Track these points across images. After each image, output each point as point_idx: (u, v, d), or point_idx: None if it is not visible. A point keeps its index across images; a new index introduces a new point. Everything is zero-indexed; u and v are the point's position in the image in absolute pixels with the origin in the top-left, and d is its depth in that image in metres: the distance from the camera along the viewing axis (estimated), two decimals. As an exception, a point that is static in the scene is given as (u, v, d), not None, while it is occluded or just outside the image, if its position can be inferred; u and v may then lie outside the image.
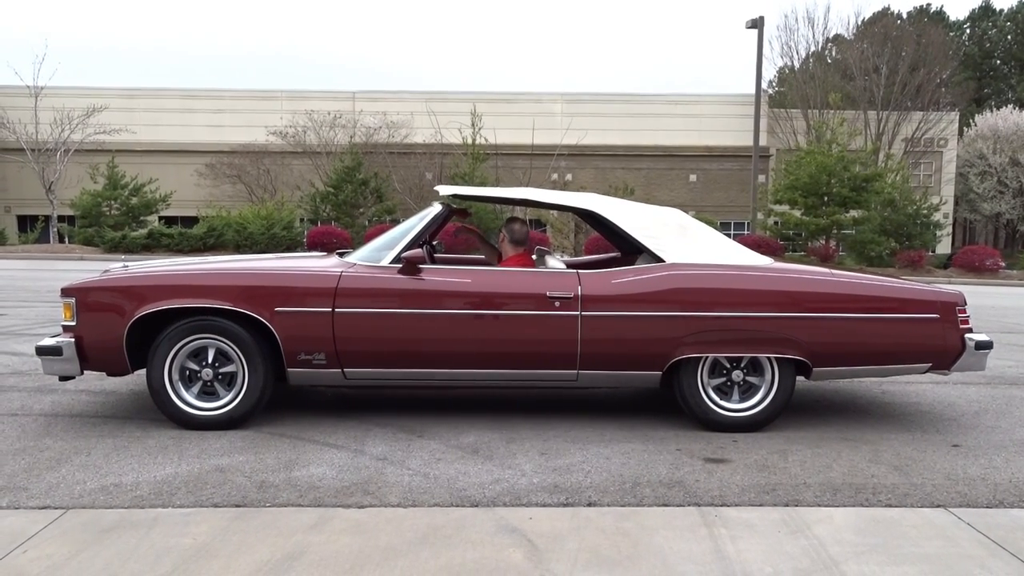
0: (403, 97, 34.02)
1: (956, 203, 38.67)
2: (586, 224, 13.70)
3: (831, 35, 41.27)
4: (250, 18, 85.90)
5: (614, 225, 4.61)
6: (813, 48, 40.14)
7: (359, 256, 4.57)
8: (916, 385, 5.90)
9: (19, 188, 33.24)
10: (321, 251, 9.60)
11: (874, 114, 36.37)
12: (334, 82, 70.60)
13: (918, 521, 3.15)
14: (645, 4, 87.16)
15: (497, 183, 26.82)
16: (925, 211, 25.04)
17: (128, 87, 34.80)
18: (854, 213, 25.76)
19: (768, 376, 4.41)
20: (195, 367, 4.24)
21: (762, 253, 4.97)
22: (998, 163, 36.37)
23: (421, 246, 4.54)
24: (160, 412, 4.28)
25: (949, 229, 35.62)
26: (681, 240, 4.50)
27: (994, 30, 52.35)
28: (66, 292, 4.24)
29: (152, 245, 24.93)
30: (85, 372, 4.27)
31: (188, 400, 4.24)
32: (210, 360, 4.24)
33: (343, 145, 31.01)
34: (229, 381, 4.27)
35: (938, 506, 3.33)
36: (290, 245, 25.18)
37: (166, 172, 31.33)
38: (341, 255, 4.85)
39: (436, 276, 4.34)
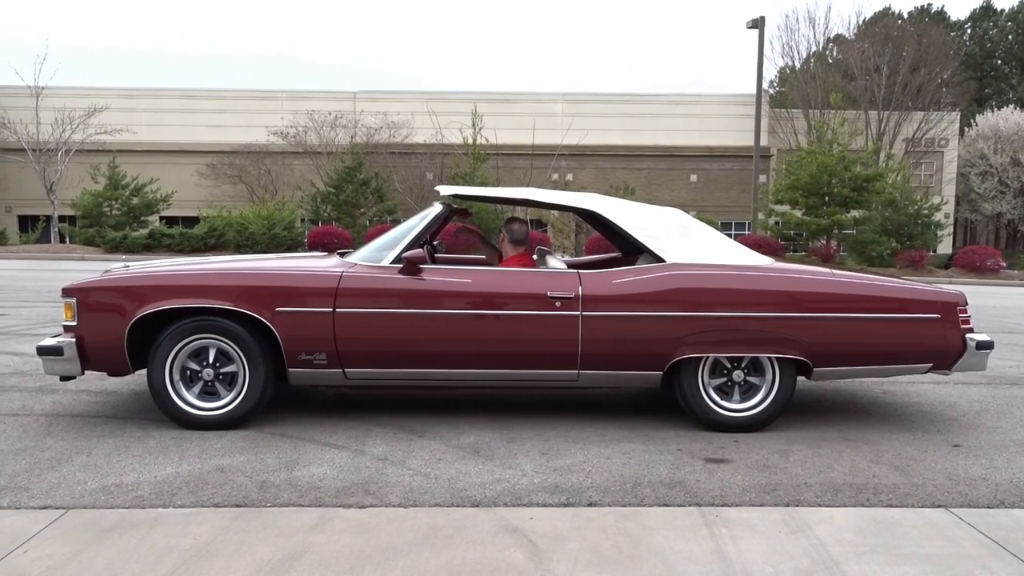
0: (404, 97, 34.01)
1: (957, 203, 38.65)
2: (587, 224, 13.70)
3: (832, 35, 41.29)
4: (250, 18, 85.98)
5: (615, 225, 4.61)
6: (814, 48, 40.14)
7: (360, 256, 4.57)
8: (917, 385, 5.90)
9: (20, 188, 33.24)
10: (322, 251, 9.60)
11: (875, 114, 36.34)
12: (335, 82, 70.66)
13: (919, 521, 3.15)
14: (645, 4, 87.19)
15: (498, 183, 26.81)
16: (926, 211, 25.02)
17: (129, 87, 34.80)
18: (855, 213, 25.74)
19: (769, 376, 4.41)
20: (196, 367, 4.25)
21: (763, 253, 4.97)
22: (999, 163, 36.35)
23: (422, 246, 4.54)
24: (161, 412, 4.28)
25: (950, 229, 35.58)
26: (682, 240, 4.50)
27: (995, 30, 52.33)
28: (67, 292, 4.24)
29: (153, 245, 24.93)
30: (86, 372, 4.28)
31: (189, 400, 4.24)
32: (211, 360, 4.24)
33: (344, 145, 31.02)
34: (230, 381, 4.27)
35: (939, 506, 3.33)
36: (291, 245, 25.18)
37: (167, 172, 31.33)
38: (342, 255, 4.85)
39: (437, 276, 4.35)
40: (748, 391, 4.45)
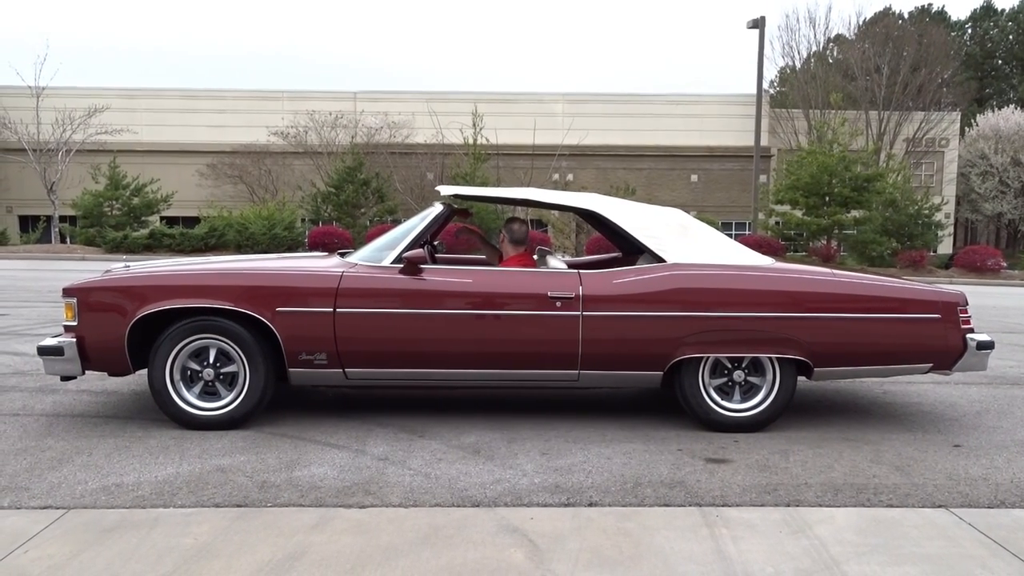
0: (404, 97, 34.01)
1: (957, 203, 38.64)
2: (587, 224, 13.70)
3: (832, 35, 41.26)
4: (250, 18, 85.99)
5: (615, 225, 4.61)
6: (814, 48, 40.12)
7: (360, 256, 4.57)
8: (917, 385, 5.90)
9: (21, 188, 33.24)
10: (322, 251, 9.60)
11: (875, 114, 36.32)
12: (335, 82, 70.64)
13: (919, 521, 3.15)
14: (646, 4, 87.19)
15: (498, 183, 26.81)
16: (926, 211, 25.02)
17: (129, 87, 34.79)
18: (855, 213, 25.74)
19: (769, 376, 4.41)
20: (196, 367, 4.25)
21: (763, 253, 4.97)
22: (999, 163, 36.33)
23: (422, 246, 4.54)
24: (161, 412, 4.28)
25: (950, 229, 35.58)
26: (682, 240, 4.50)
27: (995, 30, 52.30)
28: (67, 292, 4.24)
29: (153, 245, 24.93)
30: (86, 372, 4.28)
31: (189, 400, 4.24)
32: (211, 360, 4.24)
33: (344, 145, 31.02)
34: (230, 381, 4.27)
35: (939, 506, 3.33)
36: (291, 245, 25.18)
37: (167, 172, 31.33)
38: (342, 255, 4.85)
39: (437, 276, 4.35)
40: (749, 391, 4.45)
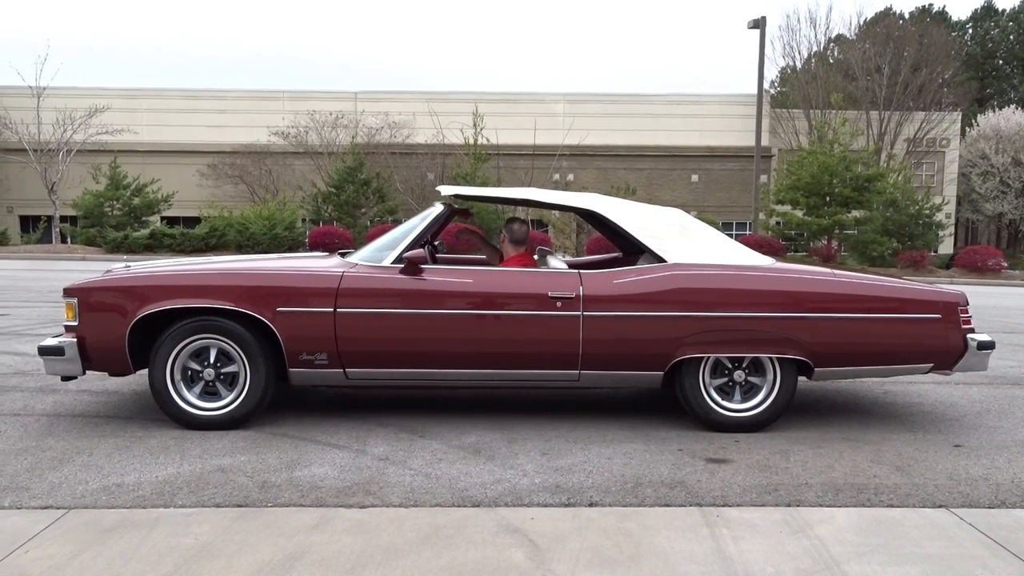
0: (405, 97, 34.02)
1: (958, 203, 38.62)
2: (588, 224, 13.70)
3: (833, 35, 41.24)
4: (250, 18, 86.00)
5: (616, 225, 4.61)
6: (815, 48, 40.11)
7: (361, 256, 4.58)
8: (918, 385, 5.89)
9: (21, 188, 33.25)
10: (323, 251, 9.60)
11: (876, 114, 36.32)
12: (335, 82, 70.65)
13: (920, 521, 3.15)
14: (647, 4, 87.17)
15: (499, 183, 26.81)
16: (927, 211, 25.01)
17: (130, 87, 34.80)
18: (856, 213, 25.73)
19: (770, 376, 4.41)
20: (197, 367, 4.25)
21: (764, 253, 4.97)
22: (1000, 163, 36.30)
23: (423, 246, 4.54)
24: (162, 412, 4.28)
25: (951, 229, 35.56)
26: (683, 240, 4.50)
27: (996, 30, 52.27)
28: (68, 292, 4.24)
29: (154, 245, 24.94)
30: (87, 372, 4.28)
31: (190, 400, 4.25)
32: (212, 360, 4.24)
33: (345, 145, 31.02)
34: (231, 381, 4.27)
35: (940, 506, 3.32)
36: (292, 245, 25.19)
37: (168, 172, 31.34)
38: (343, 255, 4.85)
39: (438, 276, 4.35)
40: (749, 391, 4.44)
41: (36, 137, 29.75)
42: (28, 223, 32.98)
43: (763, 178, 30.46)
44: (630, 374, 4.38)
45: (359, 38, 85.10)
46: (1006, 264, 24.56)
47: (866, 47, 37.91)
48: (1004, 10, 52.09)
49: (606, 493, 3.41)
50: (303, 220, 28.58)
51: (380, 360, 4.31)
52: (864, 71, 36.86)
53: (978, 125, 37.98)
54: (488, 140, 26.43)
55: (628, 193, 23.76)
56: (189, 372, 4.25)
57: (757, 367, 4.43)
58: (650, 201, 9.64)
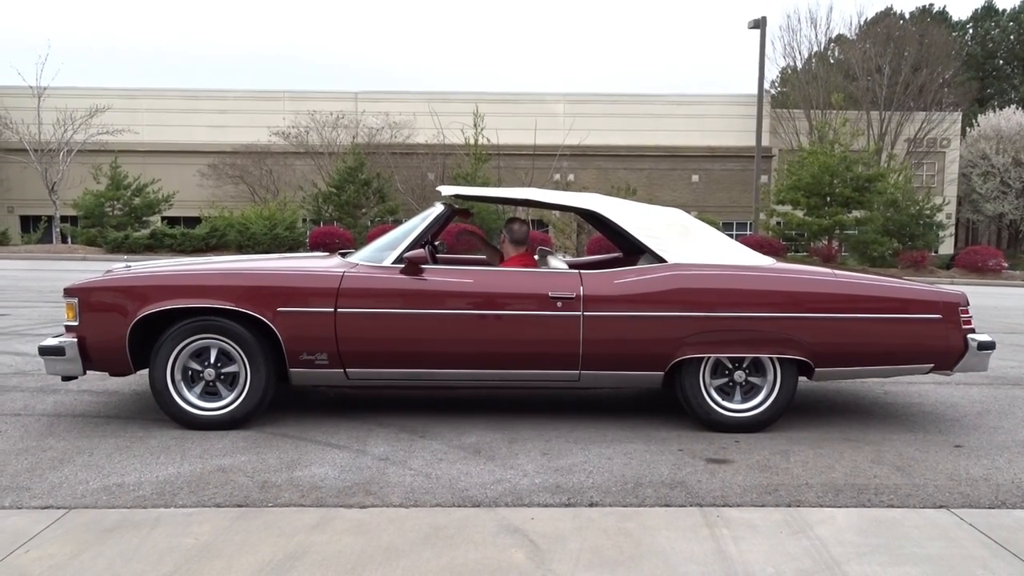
0: (405, 97, 34.02)
1: (959, 203, 38.61)
2: (588, 224, 13.70)
3: (833, 35, 41.21)
4: (250, 18, 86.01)
5: (616, 225, 4.61)
6: (816, 48, 40.09)
7: (361, 256, 4.58)
8: (919, 386, 5.89)
9: (22, 188, 33.26)
10: (323, 251, 9.60)
11: (876, 114, 36.31)
12: (335, 82, 70.63)
13: (920, 522, 3.15)
14: (648, 4, 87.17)
15: (499, 183, 26.81)
16: (928, 211, 25.01)
17: (130, 88, 34.80)
18: (856, 213, 25.73)
19: (770, 376, 4.41)
20: (197, 367, 4.25)
21: (764, 253, 4.97)
22: (1001, 163, 36.29)
23: (423, 246, 4.54)
24: (162, 412, 4.28)
25: (952, 230, 35.53)
26: (683, 240, 4.50)
27: (997, 30, 52.24)
28: (69, 292, 4.24)
29: (155, 245, 24.94)
30: (88, 372, 4.28)
31: (190, 400, 4.25)
32: (212, 360, 4.24)
33: (345, 145, 31.02)
34: (231, 381, 4.28)
35: (940, 507, 3.32)
36: (292, 245, 25.19)
37: (169, 172, 31.35)
38: (343, 255, 4.86)
39: (438, 276, 4.35)
40: (749, 391, 4.44)
41: (37, 137, 29.76)
42: (29, 223, 32.99)
43: (763, 178, 30.46)
44: (630, 374, 4.38)
45: (359, 38, 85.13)
46: (1006, 264, 24.55)
47: (867, 47, 37.90)
48: (1005, 10, 52.08)
49: (606, 493, 3.41)
50: (304, 220, 28.59)
51: (381, 360, 4.31)
52: (864, 71, 36.86)
53: (979, 125, 37.97)
54: (488, 140, 26.42)
55: (629, 193, 23.76)
56: (190, 372, 4.25)
57: (757, 367, 4.43)
58: (650, 201, 9.64)
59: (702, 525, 3.08)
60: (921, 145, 36.87)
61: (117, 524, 2.98)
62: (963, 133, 38.47)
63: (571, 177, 33.83)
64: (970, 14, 53.59)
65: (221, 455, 3.82)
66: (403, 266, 4.29)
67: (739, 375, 4.41)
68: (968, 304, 4.52)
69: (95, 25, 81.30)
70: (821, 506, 3.31)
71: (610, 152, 34.61)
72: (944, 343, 4.42)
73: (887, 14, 43.69)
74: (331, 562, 2.69)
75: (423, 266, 4.31)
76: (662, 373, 4.34)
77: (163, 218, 29.39)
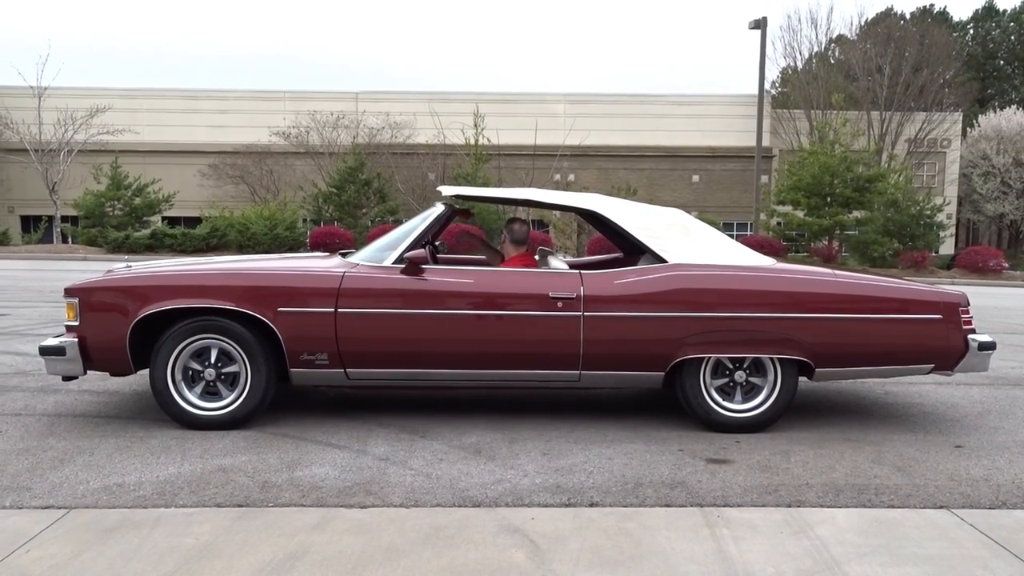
0: (406, 98, 34.02)
1: (959, 204, 38.60)
2: (589, 225, 13.70)
3: (834, 35, 41.19)
4: (250, 18, 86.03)
5: (616, 225, 4.61)
6: (816, 48, 40.07)
7: (362, 256, 4.58)
8: (919, 386, 5.89)
9: (23, 188, 33.28)
10: (324, 251, 9.60)
11: (877, 114, 36.30)
12: (335, 82, 70.61)
13: (921, 522, 3.15)
14: (648, 5, 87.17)
15: (500, 183, 26.82)
16: (928, 212, 25.01)
17: (131, 88, 34.81)
18: (857, 214, 25.73)
19: (771, 377, 4.41)
20: (198, 367, 4.25)
21: (765, 254, 4.97)
22: (1001, 164, 36.28)
23: (424, 246, 4.54)
24: (163, 412, 4.28)
25: (952, 230, 35.54)
26: (684, 241, 4.50)
27: (997, 30, 52.22)
28: (69, 292, 4.24)
29: (155, 245, 24.94)
30: (88, 372, 4.28)
31: (191, 400, 4.25)
32: (213, 360, 4.24)
33: (346, 145, 31.03)
34: (232, 381, 4.28)
35: (941, 507, 3.32)
36: (293, 245, 25.19)
37: (169, 172, 31.37)
38: (344, 255, 4.86)
39: (439, 276, 4.35)
40: (750, 392, 4.44)
41: (37, 137, 29.77)
42: (29, 223, 33.00)
43: (764, 178, 30.46)
44: (631, 374, 4.38)
45: (359, 38, 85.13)
46: (1007, 265, 24.55)
47: (867, 47, 37.90)
48: (1005, 10, 52.07)
49: (607, 493, 3.41)
50: (304, 220, 28.60)
51: (381, 360, 4.31)
52: (865, 71, 36.86)
53: (979, 126, 37.97)
54: (489, 140, 26.44)
55: (629, 193, 23.75)
56: (190, 372, 4.26)
57: (758, 367, 4.43)
58: (651, 201, 9.63)
59: (702, 525, 3.08)
60: (922, 145, 36.87)
61: (118, 524, 2.98)
62: (964, 133, 38.47)
63: (571, 177, 33.83)
64: (971, 14, 53.63)
65: (222, 455, 3.82)
66: (403, 266, 4.30)
67: (739, 375, 4.41)
68: (969, 304, 4.52)
69: (95, 25, 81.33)
70: (822, 506, 3.31)
71: (610, 152, 34.62)
72: (945, 343, 4.42)
73: (887, 14, 43.68)
74: (331, 562, 2.69)
75: (424, 266, 4.31)
76: (663, 373, 4.34)
77: (164, 218, 29.39)
